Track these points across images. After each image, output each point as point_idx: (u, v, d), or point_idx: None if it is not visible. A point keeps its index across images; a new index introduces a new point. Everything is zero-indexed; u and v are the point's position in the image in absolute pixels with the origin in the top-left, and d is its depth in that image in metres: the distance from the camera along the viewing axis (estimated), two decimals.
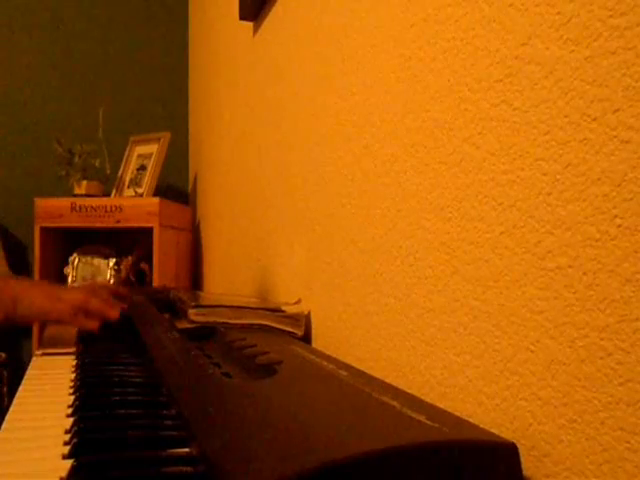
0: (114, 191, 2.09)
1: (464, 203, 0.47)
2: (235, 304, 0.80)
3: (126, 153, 2.14)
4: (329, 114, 0.77)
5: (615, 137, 0.33)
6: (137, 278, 2.01)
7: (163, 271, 1.82)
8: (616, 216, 0.33)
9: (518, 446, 0.36)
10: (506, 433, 0.41)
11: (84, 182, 2.02)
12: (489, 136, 0.44)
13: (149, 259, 1.89)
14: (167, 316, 0.91)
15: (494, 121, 0.44)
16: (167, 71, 2.41)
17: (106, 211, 1.84)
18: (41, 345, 0.90)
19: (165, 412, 0.50)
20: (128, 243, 2.08)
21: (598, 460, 0.34)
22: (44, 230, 1.90)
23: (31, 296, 0.80)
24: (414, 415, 0.38)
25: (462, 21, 0.48)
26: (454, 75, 0.49)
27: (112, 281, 1.98)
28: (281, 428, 0.36)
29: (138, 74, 2.38)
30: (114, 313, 0.84)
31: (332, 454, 0.30)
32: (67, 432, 0.47)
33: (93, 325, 0.82)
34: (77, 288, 0.86)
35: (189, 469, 0.37)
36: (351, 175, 0.69)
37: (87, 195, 1.99)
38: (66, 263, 2.03)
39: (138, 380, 0.62)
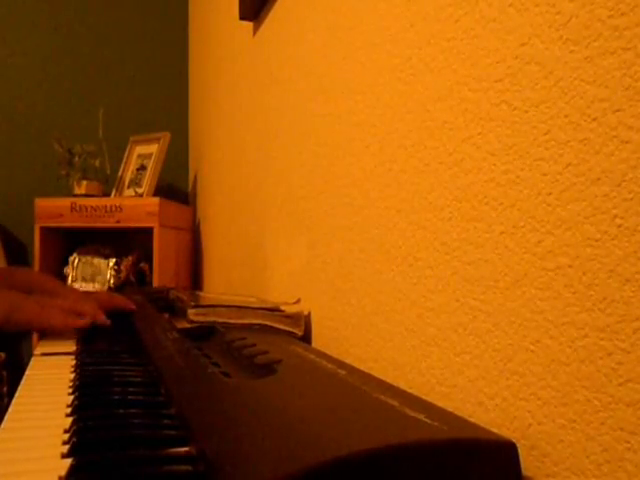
0: (114, 191, 2.09)
1: (464, 203, 0.47)
2: (235, 304, 0.80)
3: (126, 153, 2.14)
4: (329, 114, 0.77)
5: (615, 137, 0.33)
6: (137, 278, 2.01)
7: (163, 271, 1.82)
8: (616, 216, 0.33)
9: (518, 446, 0.36)
10: (506, 433, 0.41)
11: (84, 182, 2.03)
12: (489, 136, 0.44)
13: (149, 259, 1.89)
14: (166, 316, 0.91)
15: (494, 121, 0.44)
16: (167, 71, 2.41)
17: (106, 211, 1.84)
18: (41, 340, 0.90)
19: (164, 411, 0.50)
20: (128, 243, 2.08)
21: (598, 460, 0.34)
22: (44, 230, 1.90)
23: (25, 304, 0.84)
24: (414, 414, 0.38)
25: (462, 21, 0.48)
26: (454, 75, 0.49)
27: (112, 281, 1.98)
28: (280, 427, 0.36)
29: (138, 74, 2.38)
30: (104, 319, 0.88)
31: (331, 453, 0.30)
32: (66, 431, 0.47)
33: (84, 322, 0.86)
34: (67, 294, 0.89)
35: (188, 468, 0.37)
36: (351, 175, 0.69)
37: (87, 195, 1.99)
38: (66, 263, 2.03)
39: (137, 380, 0.62)
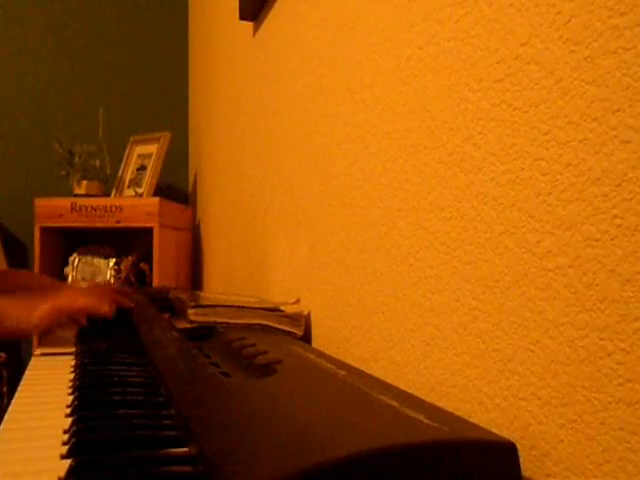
0: (114, 191, 2.09)
1: (464, 203, 0.47)
2: (234, 304, 0.80)
3: (126, 153, 2.14)
4: (329, 114, 0.77)
5: (615, 137, 0.33)
6: (137, 278, 2.01)
7: (163, 271, 1.82)
8: (616, 216, 0.33)
9: (518, 446, 0.36)
10: (506, 433, 0.41)
11: (84, 182, 2.02)
12: (489, 136, 0.44)
13: (149, 259, 1.89)
14: (166, 316, 0.91)
15: (494, 121, 0.44)
16: (167, 71, 2.41)
17: (106, 211, 1.84)
18: (40, 345, 0.90)
19: (164, 412, 0.50)
20: (128, 243, 2.08)
21: (598, 460, 0.34)
22: (44, 230, 1.90)
23: (11, 310, 0.82)
24: (413, 414, 0.38)
25: (462, 21, 0.48)
26: (454, 75, 0.49)
27: (112, 281, 1.98)
28: (280, 427, 0.36)
29: (138, 74, 2.38)
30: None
31: (331, 453, 0.30)
32: (66, 432, 0.47)
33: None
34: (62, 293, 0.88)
35: (188, 469, 0.37)
36: (351, 175, 0.69)
37: (87, 195, 1.99)
38: (66, 263, 2.03)
39: (137, 380, 0.62)
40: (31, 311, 0.82)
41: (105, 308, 0.87)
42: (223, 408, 0.41)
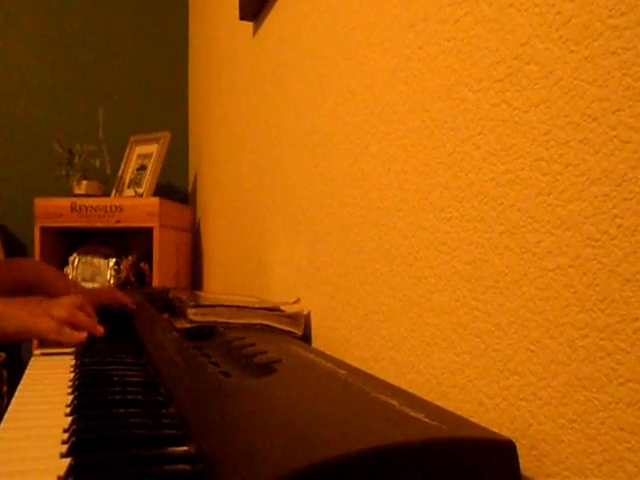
0: (114, 191, 2.09)
1: (464, 203, 0.47)
2: (234, 304, 0.80)
3: (126, 153, 2.14)
4: (329, 114, 0.77)
5: (615, 137, 0.33)
6: (137, 278, 2.01)
7: (163, 271, 1.82)
8: (616, 216, 0.33)
9: (518, 446, 0.36)
10: (506, 433, 0.41)
11: (84, 182, 2.02)
12: (489, 136, 0.44)
13: (149, 259, 1.89)
14: (166, 316, 0.91)
15: (494, 121, 0.44)
16: (167, 71, 2.41)
17: (106, 211, 1.84)
18: (40, 345, 0.90)
19: (164, 411, 0.50)
20: (128, 243, 2.08)
21: (598, 460, 0.34)
22: (44, 230, 1.90)
23: (13, 312, 0.80)
24: (413, 413, 0.38)
25: (462, 21, 0.48)
26: (454, 75, 0.49)
27: (112, 281, 1.98)
28: (279, 426, 0.36)
29: (138, 74, 2.38)
30: (99, 329, 0.84)
31: (330, 452, 0.30)
32: (65, 431, 0.47)
33: (80, 337, 0.81)
34: (63, 301, 0.85)
35: (187, 467, 0.37)
36: (351, 175, 0.69)
37: (87, 195, 1.99)
38: (66, 263, 2.03)
39: (137, 379, 0.62)
40: (34, 319, 0.80)
41: (99, 329, 0.85)
42: (223, 407, 0.41)
